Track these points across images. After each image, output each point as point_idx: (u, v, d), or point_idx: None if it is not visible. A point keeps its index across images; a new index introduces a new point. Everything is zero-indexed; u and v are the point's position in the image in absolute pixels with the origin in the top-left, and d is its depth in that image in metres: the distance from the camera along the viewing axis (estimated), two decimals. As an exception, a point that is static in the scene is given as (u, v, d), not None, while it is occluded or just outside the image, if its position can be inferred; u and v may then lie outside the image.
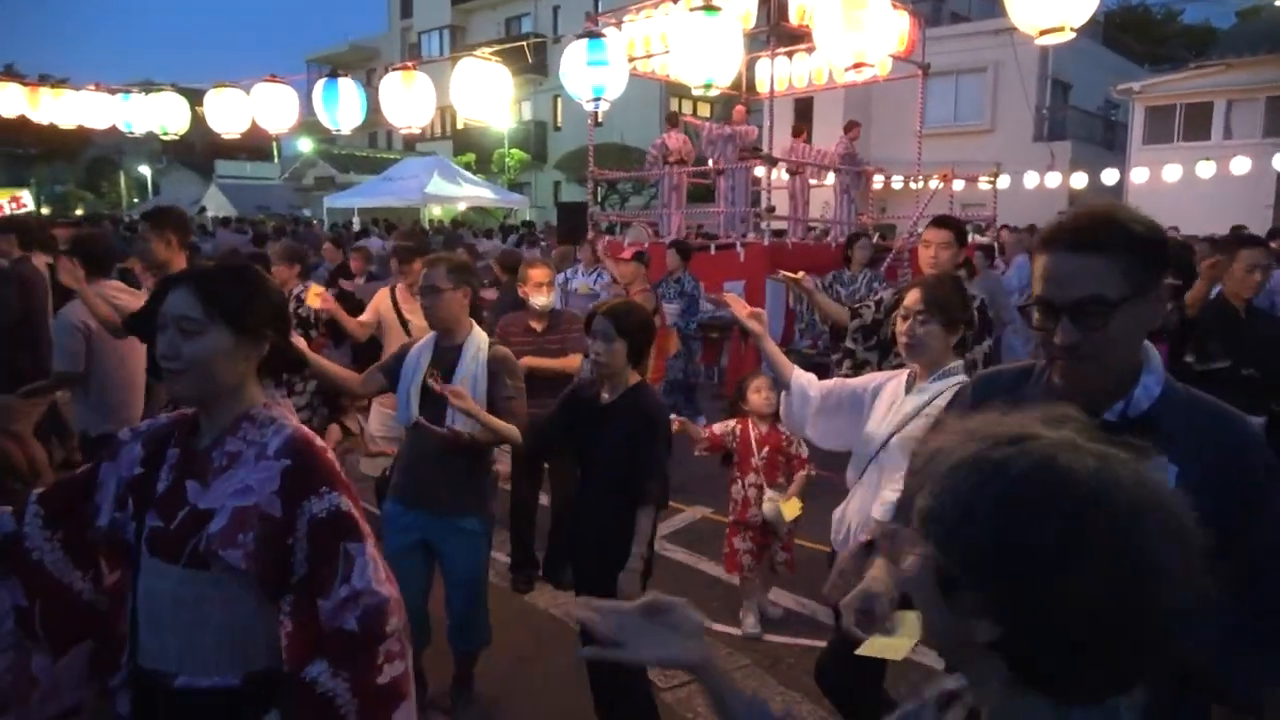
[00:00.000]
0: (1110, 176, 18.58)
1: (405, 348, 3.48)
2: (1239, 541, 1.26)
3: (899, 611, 1.79)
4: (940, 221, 3.90)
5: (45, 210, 28.53)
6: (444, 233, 18.80)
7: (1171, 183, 17.07)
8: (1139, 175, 18.40)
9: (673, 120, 11.61)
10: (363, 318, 5.11)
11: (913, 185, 12.17)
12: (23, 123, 10.15)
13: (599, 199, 16.76)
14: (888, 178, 14.48)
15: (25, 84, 9.57)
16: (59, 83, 9.35)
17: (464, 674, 3.53)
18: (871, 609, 1.82)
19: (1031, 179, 17.83)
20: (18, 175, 36.60)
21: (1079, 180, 18.38)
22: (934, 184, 11.30)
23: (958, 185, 12.43)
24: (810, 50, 11.09)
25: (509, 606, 4.35)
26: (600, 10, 18.86)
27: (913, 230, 10.61)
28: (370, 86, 6.36)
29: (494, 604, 3.60)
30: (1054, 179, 18.04)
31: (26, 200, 26.20)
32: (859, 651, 1.86)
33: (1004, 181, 14.35)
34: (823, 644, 4.06)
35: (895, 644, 1.79)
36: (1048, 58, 21.89)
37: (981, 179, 13.06)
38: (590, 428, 3.06)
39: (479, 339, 3.37)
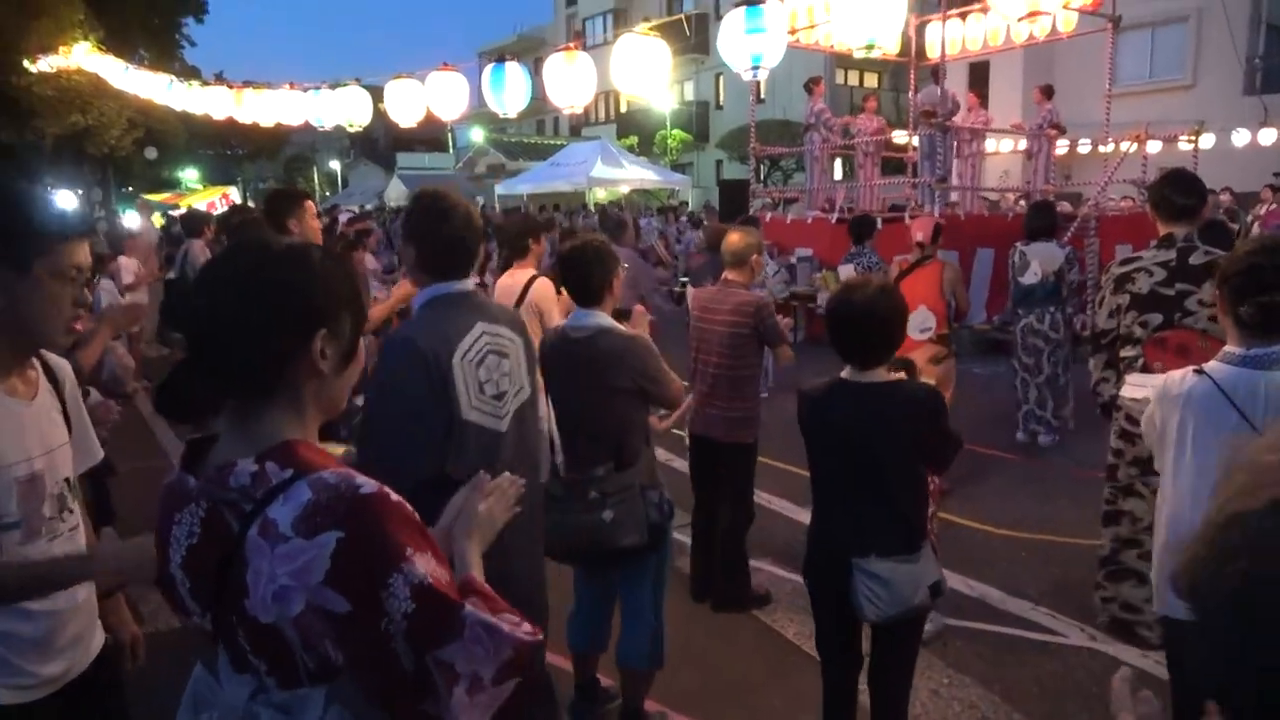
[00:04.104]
0: (1337, 131, 16.62)
1: None
2: None
3: None
4: None
5: (250, 204, 31.18)
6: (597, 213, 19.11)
7: None
8: (1374, 129, 16.37)
9: (814, 85, 11.31)
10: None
11: (1101, 149, 11.31)
12: (231, 125, 11.17)
13: (761, 176, 16.57)
14: (1073, 141, 13.51)
15: (232, 87, 10.53)
16: (260, 85, 10.18)
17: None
18: None
19: (1241, 137, 16.20)
20: (228, 174, 40.29)
21: (1297, 137, 16.56)
22: (1125, 146, 10.46)
23: (1153, 147, 11.40)
24: (984, 10, 10.50)
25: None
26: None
27: (1099, 197, 9.88)
28: (537, 75, 6.52)
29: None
30: (1268, 136, 16.31)
31: (234, 196, 28.82)
32: None
33: (1207, 141, 13.08)
34: (993, 628, 3.90)
35: None
36: (1261, 0, 19.69)
37: (1181, 139, 11.96)
38: None
39: None
